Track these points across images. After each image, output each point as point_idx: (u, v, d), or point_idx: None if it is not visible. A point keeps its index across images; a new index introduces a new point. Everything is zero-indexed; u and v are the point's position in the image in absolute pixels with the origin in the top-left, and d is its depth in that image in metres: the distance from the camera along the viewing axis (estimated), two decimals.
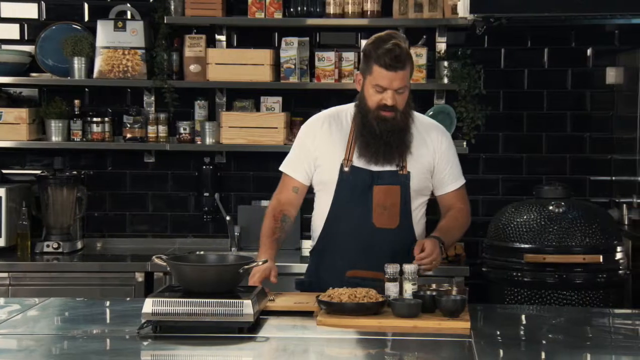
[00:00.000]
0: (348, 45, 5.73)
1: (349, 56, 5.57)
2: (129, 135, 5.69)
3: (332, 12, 5.52)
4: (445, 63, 5.53)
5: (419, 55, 5.47)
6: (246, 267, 3.39)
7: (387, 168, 3.87)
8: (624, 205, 5.48)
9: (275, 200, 4.01)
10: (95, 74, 5.63)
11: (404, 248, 3.85)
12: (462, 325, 3.38)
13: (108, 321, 3.53)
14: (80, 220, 5.69)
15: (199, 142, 5.65)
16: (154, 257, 3.41)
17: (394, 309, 3.43)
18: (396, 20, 5.49)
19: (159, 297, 3.28)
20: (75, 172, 5.65)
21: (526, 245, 4.86)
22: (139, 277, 5.21)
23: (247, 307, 3.24)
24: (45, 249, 5.50)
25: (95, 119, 5.65)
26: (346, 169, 3.89)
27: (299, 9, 5.55)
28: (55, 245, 5.50)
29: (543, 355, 3.19)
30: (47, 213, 5.58)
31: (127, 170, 5.87)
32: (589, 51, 5.74)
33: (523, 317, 3.95)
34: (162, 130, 5.69)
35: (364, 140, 3.86)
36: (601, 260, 4.80)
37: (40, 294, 4.72)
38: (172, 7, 5.61)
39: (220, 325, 3.25)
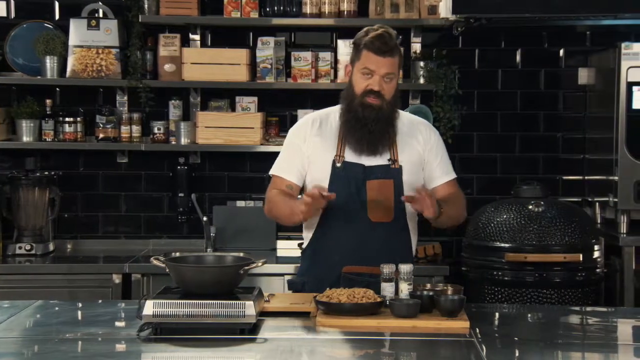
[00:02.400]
0: (324, 45, 5.71)
1: (326, 56, 5.56)
2: (101, 135, 5.62)
3: (308, 12, 5.51)
4: (422, 63, 5.55)
5: None
6: (246, 267, 3.36)
7: (379, 162, 3.87)
8: (597, 205, 5.55)
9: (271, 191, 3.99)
10: (68, 73, 5.55)
11: (399, 242, 3.89)
12: (461, 324, 3.39)
13: (103, 323, 3.47)
14: (52, 221, 5.60)
15: (173, 142, 5.60)
16: (151, 258, 3.37)
17: (393, 309, 3.43)
18: (372, 20, 5.48)
19: (159, 298, 3.24)
20: (47, 173, 5.56)
21: (506, 245, 4.89)
22: (117, 279, 5.15)
23: (249, 308, 3.22)
24: (18, 251, 5.41)
25: (67, 119, 5.58)
26: (338, 164, 3.88)
27: (275, 8, 5.53)
28: (28, 247, 5.41)
29: (551, 353, 3.21)
30: (18, 214, 5.48)
31: (99, 170, 5.80)
32: (561, 52, 5.79)
33: (518, 316, 3.96)
34: (136, 130, 5.62)
35: (347, 126, 3.87)
36: (581, 259, 4.85)
37: (14, 297, 4.62)
38: (146, 5, 5.54)
39: (221, 327, 3.22)
